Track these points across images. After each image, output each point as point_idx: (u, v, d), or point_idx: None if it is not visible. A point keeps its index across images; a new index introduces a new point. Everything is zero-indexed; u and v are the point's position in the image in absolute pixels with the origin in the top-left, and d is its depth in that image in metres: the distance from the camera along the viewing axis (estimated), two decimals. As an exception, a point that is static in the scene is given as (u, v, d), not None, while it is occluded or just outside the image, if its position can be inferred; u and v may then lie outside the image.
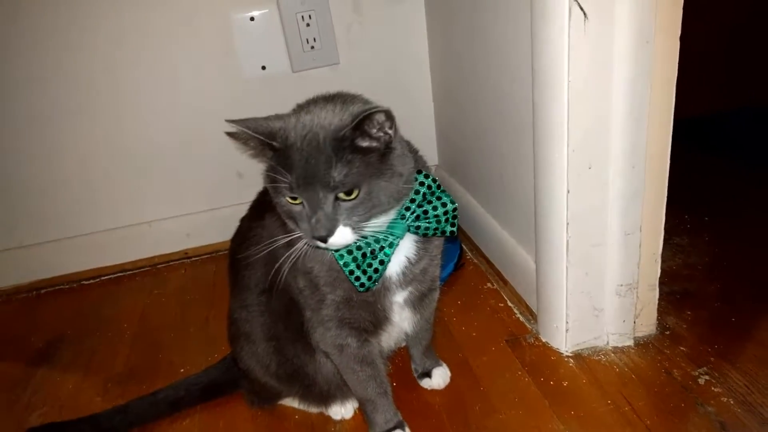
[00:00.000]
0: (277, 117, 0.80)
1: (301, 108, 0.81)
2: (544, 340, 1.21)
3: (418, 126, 1.78)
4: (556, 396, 1.07)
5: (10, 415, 1.21)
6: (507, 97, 1.23)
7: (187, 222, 1.77)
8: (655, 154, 1.03)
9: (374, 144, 0.76)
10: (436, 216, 0.84)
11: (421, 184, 0.83)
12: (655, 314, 1.18)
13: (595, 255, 1.09)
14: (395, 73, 1.73)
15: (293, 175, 0.74)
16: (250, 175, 1.72)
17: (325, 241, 0.76)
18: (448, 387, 1.13)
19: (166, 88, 1.63)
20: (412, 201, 0.83)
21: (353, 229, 0.77)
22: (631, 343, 1.17)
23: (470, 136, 1.53)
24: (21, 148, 1.61)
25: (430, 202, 0.84)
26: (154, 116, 1.65)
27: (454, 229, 0.86)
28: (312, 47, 1.63)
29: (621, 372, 1.11)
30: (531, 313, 1.29)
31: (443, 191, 0.85)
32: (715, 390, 1.03)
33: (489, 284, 1.45)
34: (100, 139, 1.65)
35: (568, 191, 1.03)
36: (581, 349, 1.17)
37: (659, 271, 1.14)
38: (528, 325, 1.28)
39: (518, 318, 1.31)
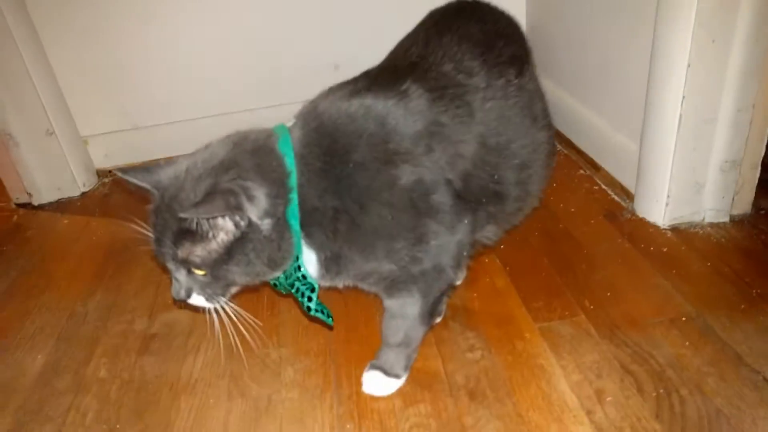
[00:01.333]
0: (168, 163, 0.76)
1: (191, 156, 0.76)
2: (641, 216, 1.29)
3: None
4: (656, 259, 1.16)
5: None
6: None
7: (287, 111, 1.86)
8: (780, 29, 1.06)
9: (220, 234, 0.70)
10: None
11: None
12: (753, 193, 1.24)
13: (705, 131, 1.15)
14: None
15: (153, 236, 0.73)
16: (345, 67, 1.79)
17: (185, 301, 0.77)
18: (553, 249, 1.23)
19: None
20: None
21: (208, 299, 0.76)
22: (726, 219, 1.24)
23: (570, 26, 1.55)
24: (139, 39, 1.71)
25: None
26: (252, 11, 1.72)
27: (310, 304, 0.81)
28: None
29: (718, 242, 1.19)
30: (626, 193, 1.36)
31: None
32: (811, 259, 1.11)
33: (581, 171, 1.53)
34: (207, 32, 1.73)
35: (689, 65, 1.08)
36: (678, 224, 1.25)
37: (764, 150, 1.19)
38: (623, 204, 1.36)
39: (613, 198, 1.39)
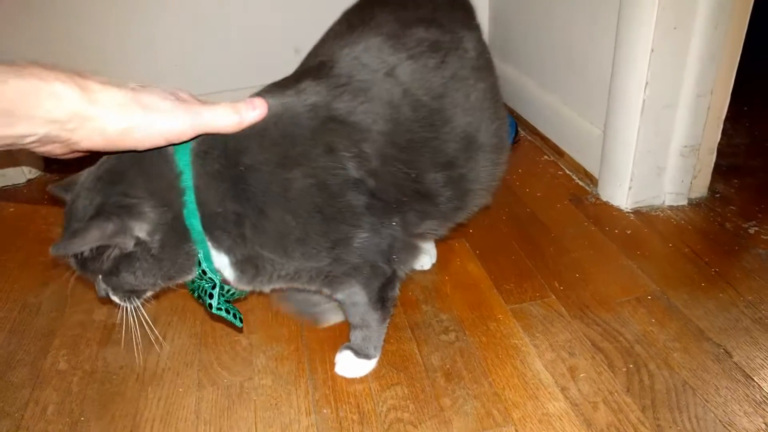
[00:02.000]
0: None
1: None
2: (604, 200, 1.33)
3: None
4: (621, 241, 1.19)
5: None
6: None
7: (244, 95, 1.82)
8: (737, 14, 1.10)
9: (105, 252, 0.69)
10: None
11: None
12: (709, 177, 1.29)
13: (665, 116, 1.19)
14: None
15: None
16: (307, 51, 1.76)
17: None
18: (521, 233, 1.24)
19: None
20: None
21: (121, 300, 0.75)
22: (685, 202, 1.29)
23: (533, 12, 1.57)
24: (90, 17, 1.63)
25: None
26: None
27: (211, 301, 0.77)
28: None
29: (678, 224, 1.23)
30: (590, 177, 1.39)
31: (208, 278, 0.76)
32: (765, 238, 1.16)
33: (546, 157, 1.55)
34: (161, 16, 1.67)
35: (652, 50, 1.11)
36: (640, 207, 1.29)
37: (720, 135, 1.24)
38: (587, 188, 1.39)
39: (577, 183, 1.42)
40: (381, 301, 0.86)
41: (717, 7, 1.07)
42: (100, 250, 0.68)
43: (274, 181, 0.71)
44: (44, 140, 0.58)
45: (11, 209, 1.49)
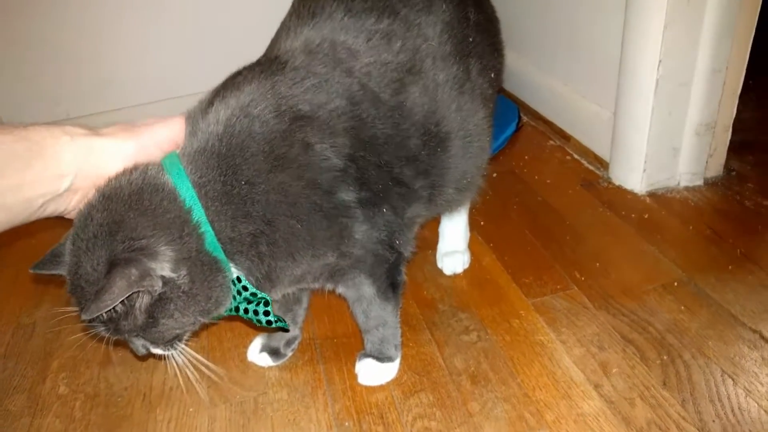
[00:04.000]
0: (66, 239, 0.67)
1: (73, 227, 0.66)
2: (617, 183, 1.28)
3: None
4: (639, 225, 1.15)
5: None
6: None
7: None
8: (753, -14, 1.06)
9: (136, 304, 0.64)
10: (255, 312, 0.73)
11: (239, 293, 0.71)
12: (725, 155, 1.25)
13: (680, 94, 1.14)
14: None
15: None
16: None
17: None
18: (534, 222, 1.20)
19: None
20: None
21: (164, 349, 0.70)
22: (701, 182, 1.25)
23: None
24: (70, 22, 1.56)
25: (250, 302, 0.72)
26: None
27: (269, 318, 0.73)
28: None
29: (696, 205, 1.19)
30: (600, 161, 1.35)
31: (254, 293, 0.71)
32: (787, 214, 1.12)
33: (551, 142, 1.51)
34: (145, 15, 1.60)
35: (665, 26, 1.06)
36: (655, 189, 1.25)
37: (735, 111, 1.20)
38: (598, 172, 1.34)
39: (587, 167, 1.38)
40: (390, 288, 0.83)
41: (731, -24, 1.02)
42: (130, 303, 0.63)
43: (271, 190, 0.68)
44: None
45: (-3, 224, 1.42)
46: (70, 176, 0.63)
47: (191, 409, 0.87)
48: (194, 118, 0.71)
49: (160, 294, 0.63)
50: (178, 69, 1.69)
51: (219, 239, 0.66)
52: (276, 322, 0.73)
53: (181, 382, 0.84)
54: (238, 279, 0.69)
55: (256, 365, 0.94)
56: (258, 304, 0.71)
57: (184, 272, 0.64)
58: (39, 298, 1.14)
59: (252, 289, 0.70)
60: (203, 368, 0.75)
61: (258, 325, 0.74)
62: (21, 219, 0.62)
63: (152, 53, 1.67)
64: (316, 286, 0.82)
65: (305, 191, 0.70)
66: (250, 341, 0.97)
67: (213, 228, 0.66)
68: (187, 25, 1.66)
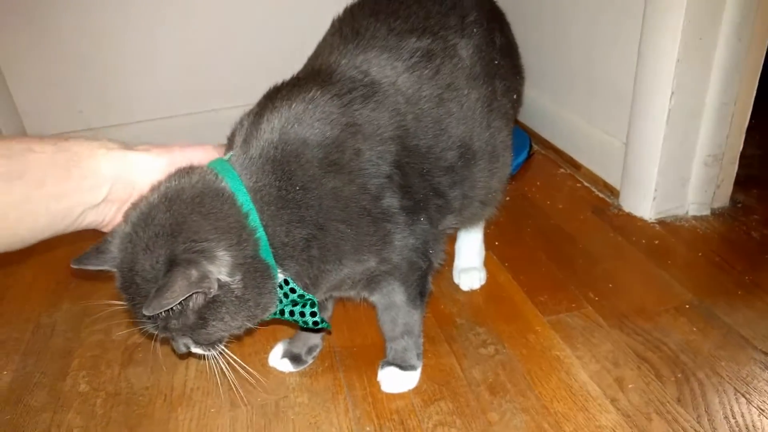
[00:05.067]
0: (113, 235, 0.68)
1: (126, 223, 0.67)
2: (627, 210, 1.32)
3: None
4: (650, 251, 1.18)
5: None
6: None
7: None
8: (759, 26, 1.11)
9: (189, 304, 0.65)
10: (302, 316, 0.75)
11: (285, 296, 0.72)
12: (731, 187, 1.29)
13: (691, 126, 1.19)
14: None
15: (131, 313, 0.68)
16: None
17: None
18: (548, 245, 1.23)
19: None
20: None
21: (205, 350, 0.72)
22: (708, 212, 1.29)
23: (550, 27, 1.58)
24: (97, 31, 1.61)
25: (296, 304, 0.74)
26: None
27: (315, 318, 0.74)
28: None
29: (704, 234, 1.22)
30: (610, 189, 1.39)
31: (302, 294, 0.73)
32: (792, 246, 1.16)
33: (561, 170, 1.55)
34: (169, 29, 1.65)
35: (678, 60, 1.11)
36: (664, 217, 1.28)
37: (742, 144, 1.25)
38: (608, 200, 1.38)
39: (597, 195, 1.42)
40: (419, 296, 0.86)
41: (742, 18, 1.08)
42: (184, 303, 0.65)
43: (325, 195, 0.71)
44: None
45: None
46: (106, 186, 0.65)
47: (212, 410, 0.88)
48: (243, 128, 0.74)
49: (213, 296, 0.65)
50: (202, 85, 1.74)
51: (271, 244, 0.68)
52: (322, 322, 0.75)
53: (219, 382, 0.86)
54: (286, 281, 0.71)
55: (276, 370, 0.95)
56: (305, 306, 0.73)
57: (238, 277, 0.66)
58: (58, 299, 1.15)
59: (300, 291, 0.72)
60: (239, 369, 0.77)
61: (303, 326, 0.75)
62: (63, 227, 0.64)
63: (177, 69, 1.71)
64: (352, 293, 0.84)
65: (356, 196, 0.72)
66: (271, 347, 0.98)
67: (266, 233, 0.68)
68: (213, 44, 1.71)
